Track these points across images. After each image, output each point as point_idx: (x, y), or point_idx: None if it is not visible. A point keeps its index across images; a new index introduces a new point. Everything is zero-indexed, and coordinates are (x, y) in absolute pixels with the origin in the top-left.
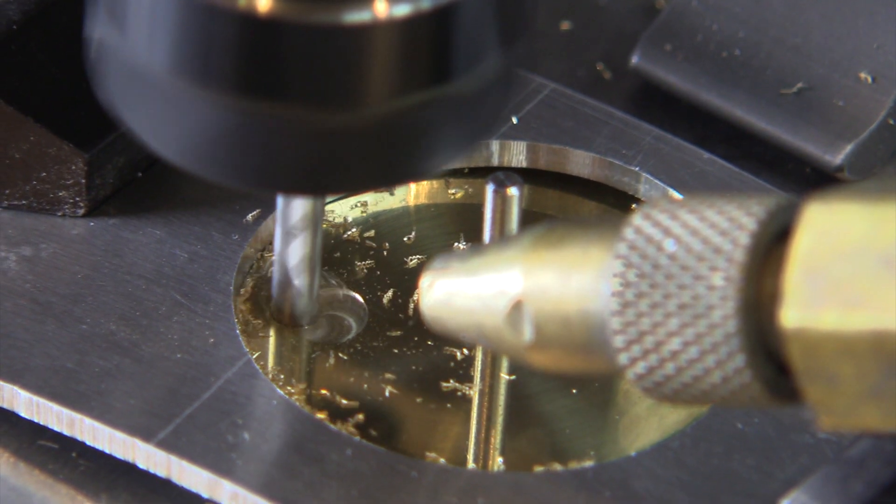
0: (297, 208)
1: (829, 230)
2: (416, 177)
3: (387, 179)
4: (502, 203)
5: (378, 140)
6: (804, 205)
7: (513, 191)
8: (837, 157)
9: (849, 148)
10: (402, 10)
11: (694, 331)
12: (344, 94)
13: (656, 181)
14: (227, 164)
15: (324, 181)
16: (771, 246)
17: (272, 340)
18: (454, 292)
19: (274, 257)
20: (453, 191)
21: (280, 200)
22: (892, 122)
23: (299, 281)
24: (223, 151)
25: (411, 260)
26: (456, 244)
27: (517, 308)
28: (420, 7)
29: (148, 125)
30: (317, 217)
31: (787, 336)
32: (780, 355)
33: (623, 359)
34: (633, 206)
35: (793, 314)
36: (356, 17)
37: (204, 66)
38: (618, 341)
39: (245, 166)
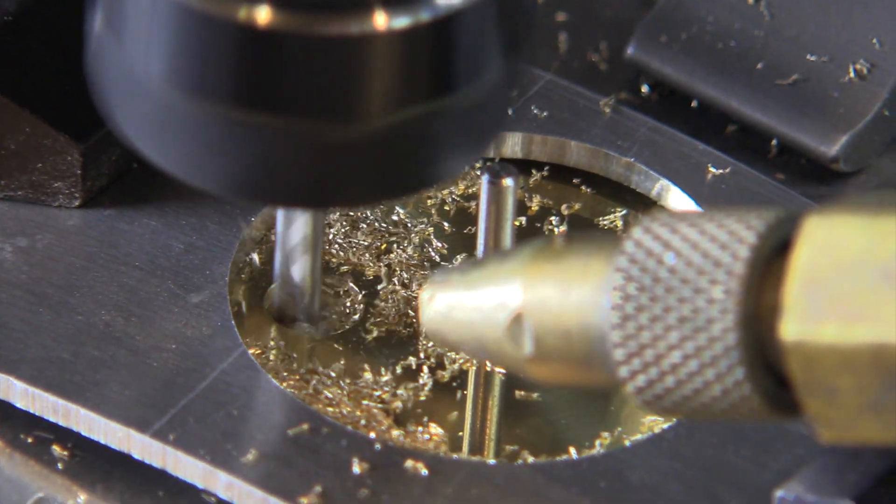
0: (297, 228)
1: (828, 243)
2: (420, 189)
3: (389, 192)
4: (498, 194)
5: (380, 153)
6: (804, 218)
7: (508, 182)
8: (833, 148)
9: (844, 139)
10: (402, 22)
11: (694, 344)
12: (345, 106)
13: (651, 172)
14: (226, 176)
15: (325, 195)
16: (771, 259)
17: (269, 330)
18: (454, 305)
19: (275, 268)
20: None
21: (280, 218)
22: (887, 113)
23: (301, 285)
24: (222, 164)
25: (393, 251)
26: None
27: (517, 321)
28: (420, 18)
29: (145, 136)
30: (317, 234)
31: (786, 349)
32: (779, 368)
33: (623, 372)
34: (628, 197)
35: (792, 327)
36: (356, 28)
37: (204, 78)
38: (618, 354)
39: (245, 179)
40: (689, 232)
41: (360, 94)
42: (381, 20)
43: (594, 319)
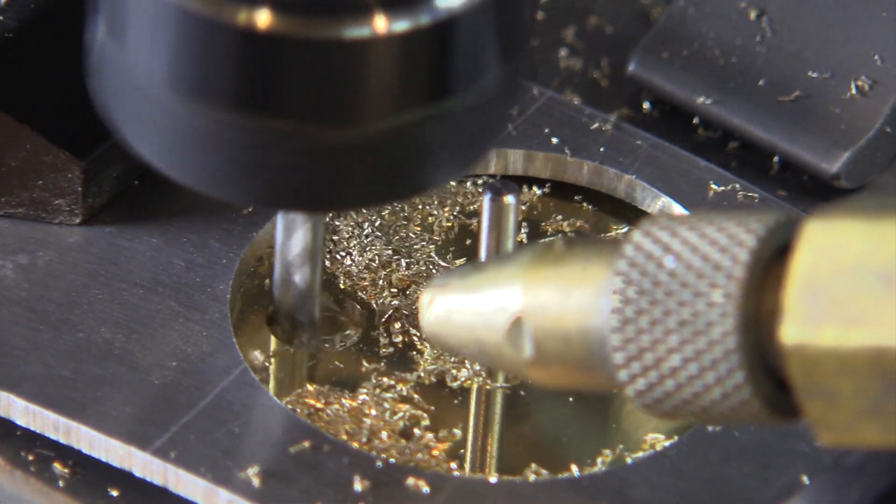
0: (297, 239)
1: (828, 247)
2: (417, 193)
3: (387, 196)
4: (499, 211)
5: (378, 156)
6: (803, 221)
7: (510, 199)
8: (834, 165)
9: (846, 156)
10: (402, 26)
11: (693, 347)
12: (343, 109)
13: (653, 189)
14: (225, 179)
15: (323, 198)
16: (770, 262)
17: (271, 348)
18: (454, 309)
19: (275, 275)
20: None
21: (279, 229)
22: (889, 129)
23: (300, 296)
24: (221, 167)
25: (394, 268)
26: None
27: (517, 324)
28: (419, 22)
29: (146, 139)
30: (317, 244)
31: (786, 352)
32: (779, 372)
33: (623, 375)
34: (630, 214)
35: (792, 331)
36: (356, 32)
37: (204, 81)
38: (617, 358)
39: (244, 182)
40: (689, 235)
41: (360, 98)
42: (380, 24)
43: (594, 323)
